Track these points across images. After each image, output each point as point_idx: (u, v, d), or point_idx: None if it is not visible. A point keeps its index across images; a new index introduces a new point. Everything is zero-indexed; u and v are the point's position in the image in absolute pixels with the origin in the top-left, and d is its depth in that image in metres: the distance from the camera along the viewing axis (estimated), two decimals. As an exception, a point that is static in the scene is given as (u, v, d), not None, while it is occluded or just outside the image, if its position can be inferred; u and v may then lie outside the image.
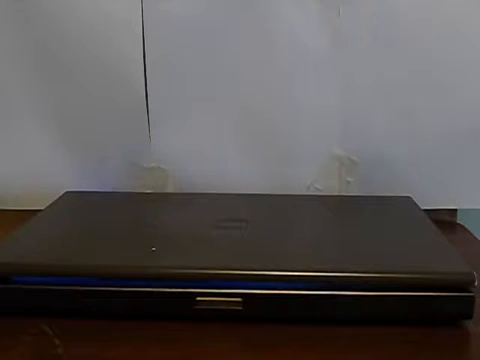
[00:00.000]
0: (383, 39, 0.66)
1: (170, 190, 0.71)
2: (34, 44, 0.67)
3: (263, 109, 0.69)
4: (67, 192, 0.65)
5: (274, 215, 0.59)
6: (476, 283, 0.44)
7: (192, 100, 0.69)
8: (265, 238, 0.53)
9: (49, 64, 0.68)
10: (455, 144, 0.68)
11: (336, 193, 0.70)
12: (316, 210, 0.63)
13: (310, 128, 0.69)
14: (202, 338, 0.44)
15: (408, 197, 0.64)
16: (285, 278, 0.45)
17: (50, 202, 0.62)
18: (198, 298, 0.45)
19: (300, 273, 0.45)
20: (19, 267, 0.47)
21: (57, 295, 0.45)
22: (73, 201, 0.64)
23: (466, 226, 0.69)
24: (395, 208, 0.62)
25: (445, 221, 0.69)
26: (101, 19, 0.66)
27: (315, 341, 0.44)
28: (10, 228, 0.54)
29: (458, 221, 0.71)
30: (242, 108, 0.69)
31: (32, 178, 0.71)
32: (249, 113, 0.69)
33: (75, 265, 0.47)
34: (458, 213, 0.71)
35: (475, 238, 0.66)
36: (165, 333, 0.44)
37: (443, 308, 0.45)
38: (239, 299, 0.45)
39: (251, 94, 0.68)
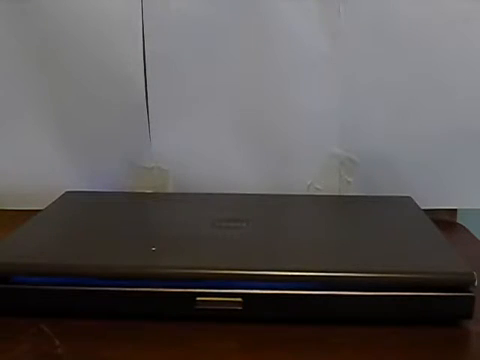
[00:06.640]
0: (383, 39, 0.66)
1: (170, 190, 0.71)
2: (34, 44, 0.67)
3: (263, 109, 0.69)
4: (67, 192, 0.65)
5: (274, 215, 0.59)
6: (476, 283, 0.44)
7: (192, 100, 0.69)
8: (265, 238, 0.53)
9: (49, 64, 0.68)
10: (455, 144, 0.68)
11: (336, 193, 0.70)
12: (316, 210, 0.63)
13: (310, 128, 0.69)
14: (202, 338, 0.44)
15: (408, 197, 0.64)
16: (285, 278, 0.45)
17: (50, 202, 0.62)
18: (198, 298, 0.45)
19: (300, 273, 0.45)
20: (19, 267, 0.47)
21: (57, 295, 0.45)
22: (73, 201, 0.64)
23: (466, 226, 0.69)
24: (395, 208, 0.62)
25: (445, 221, 0.69)
26: (101, 19, 0.66)
27: (315, 341, 0.44)
28: (10, 228, 0.54)
29: (458, 221, 0.71)
30: (242, 108, 0.69)
31: (32, 178, 0.71)
32: (249, 113, 0.69)
33: (75, 265, 0.47)
34: (458, 213, 0.71)
35: (475, 238, 0.66)
36: (165, 333, 0.44)
37: (443, 308, 0.45)
38: (239, 299, 0.45)
39: (251, 94, 0.68)
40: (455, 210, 0.71)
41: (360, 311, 0.45)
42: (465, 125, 0.68)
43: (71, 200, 0.64)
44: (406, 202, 0.63)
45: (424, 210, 0.60)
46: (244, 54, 0.67)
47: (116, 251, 0.50)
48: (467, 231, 0.68)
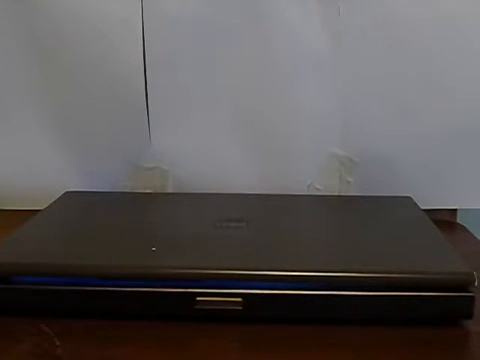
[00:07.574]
0: (383, 39, 0.66)
1: (170, 190, 0.71)
2: (34, 44, 0.67)
3: (263, 109, 0.69)
4: (67, 192, 0.65)
5: (274, 215, 0.59)
6: (476, 283, 0.44)
7: (192, 100, 0.69)
8: (265, 238, 0.53)
9: (49, 64, 0.68)
10: (455, 144, 0.68)
11: (336, 193, 0.70)
12: (316, 210, 0.63)
13: (310, 128, 0.69)
14: (202, 338, 0.44)
15: (408, 197, 0.64)
16: (285, 278, 0.45)
17: (50, 202, 0.62)
18: (198, 298, 0.45)
19: (300, 273, 0.45)
20: (19, 267, 0.47)
21: (57, 295, 0.45)
22: (73, 201, 0.64)
23: (466, 226, 0.69)
24: (395, 208, 0.62)
25: (445, 221, 0.69)
26: (101, 19, 0.66)
27: (315, 341, 0.44)
28: (10, 228, 0.54)
29: (458, 221, 0.71)
30: (242, 108, 0.69)
31: (32, 178, 0.71)
32: (249, 113, 0.69)
33: (75, 265, 0.47)
34: (458, 213, 0.71)
35: (475, 238, 0.66)
36: (165, 333, 0.44)
37: (443, 308, 0.45)
38: (239, 299, 0.45)
39: (251, 94, 0.68)
40: (455, 210, 0.71)
41: (360, 311, 0.45)
42: (465, 125, 0.68)
43: (71, 200, 0.64)
44: (406, 202, 0.63)
45: (424, 210, 0.60)
46: (244, 54, 0.67)
47: (116, 251, 0.50)
48: (467, 231, 0.68)
